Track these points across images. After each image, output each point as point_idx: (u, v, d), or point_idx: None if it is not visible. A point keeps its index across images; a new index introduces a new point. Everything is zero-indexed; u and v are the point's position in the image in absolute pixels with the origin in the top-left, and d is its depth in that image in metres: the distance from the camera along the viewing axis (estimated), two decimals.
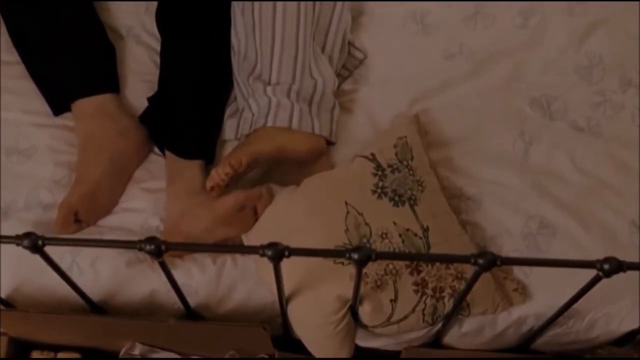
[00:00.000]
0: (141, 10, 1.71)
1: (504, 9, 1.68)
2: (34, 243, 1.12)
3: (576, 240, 1.50)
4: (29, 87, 1.63)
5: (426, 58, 1.65)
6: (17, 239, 1.12)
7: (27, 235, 1.12)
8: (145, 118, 1.61)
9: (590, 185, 1.54)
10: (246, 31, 1.56)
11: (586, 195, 1.53)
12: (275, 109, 1.51)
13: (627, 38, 1.66)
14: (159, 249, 1.11)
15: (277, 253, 1.10)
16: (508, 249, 1.49)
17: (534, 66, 1.64)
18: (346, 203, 1.40)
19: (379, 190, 1.42)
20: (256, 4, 1.54)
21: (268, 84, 1.53)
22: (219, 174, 1.42)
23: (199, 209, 1.45)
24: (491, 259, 1.09)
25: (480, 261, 1.10)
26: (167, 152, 1.56)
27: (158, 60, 1.66)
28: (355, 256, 1.10)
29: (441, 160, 1.56)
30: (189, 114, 1.58)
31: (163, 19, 1.65)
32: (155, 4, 1.67)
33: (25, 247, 1.12)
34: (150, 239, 1.11)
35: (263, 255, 1.10)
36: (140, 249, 1.12)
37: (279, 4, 1.53)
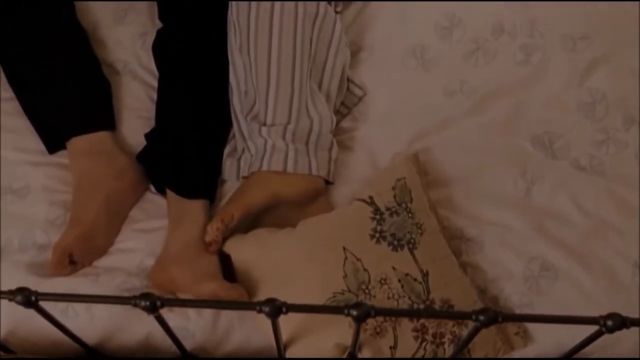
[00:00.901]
0: (137, 44, 1.71)
1: (505, 45, 1.68)
2: (27, 299, 1.12)
3: (578, 283, 1.50)
4: (23, 124, 1.63)
5: (426, 95, 1.65)
6: (9, 295, 1.12)
7: (20, 290, 1.12)
8: (144, 157, 1.61)
9: (593, 226, 1.54)
10: (245, 70, 1.56)
11: (588, 237, 1.54)
12: (271, 152, 1.52)
13: (630, 74, 1.66)
14: (154, 305, 1.11)
15: (274, 310, 1.10)
16: (509, 292, 1.50)
17: (536, 103, 1.64)
18: (344, 248, 1.40)
19: (377, 235, 1.43)
20: (252, 43, 1.54)
21: (264, 124, 1.53)
22: (213, 229, 1.45)
23: (194, 260, 1.46)
24: (492, 316, 1.09)
25: (482, 318, 1.10)
26: (168, 192, 1.56)
27: (154, 96, 1.66)
28: (354, 313, 1.10)
29: (441, 200, 1.56)
30: (190, 151, 1.58)
31: (160, 54, 1.65)
32: (152, 38, 1.68)
33: (19, 303, 1.12)
34: (145, 295, 1.11)
35: (260, 311, 1.10)
36: (135, 305, 1.12)
37: (275, 43, 1.54)
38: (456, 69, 1.67)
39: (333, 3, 1.68)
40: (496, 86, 1.65)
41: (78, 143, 1.59)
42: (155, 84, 1.66)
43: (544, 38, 1.68)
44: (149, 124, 1.64)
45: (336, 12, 1.69)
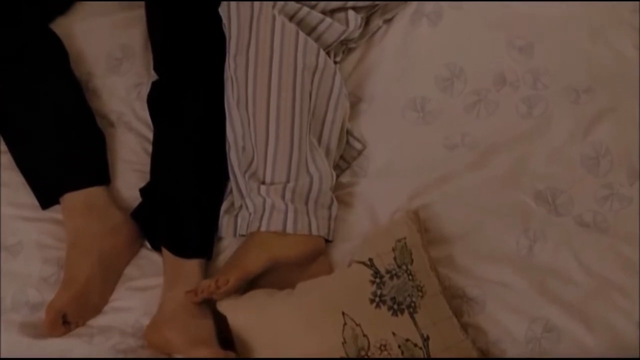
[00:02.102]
0: (132, 95, 1.73)
1: (507, 96, 1.70)
2: None
3: (582, 344, 1.52)
4: (17, 178, 1.65)
5: (427, 148, 1.67)
6: None
7: None
8: (139, 214, 1.62)
9: (596, 286, 1.56)
10: (242, 125, 1.58)
11: (592, 296, 1.55)
12: (270, 211, 1.53)
13: (634, 128, 1.67)
14: None
15: None
16: (511, 354, 1.52)
17: (539, 157, 1.66)
18: (343, 313, 1.42)
19: (377, 299, 1.44)
20: (250, 98, 1.56)
21: (262, 182, 1.55)
22: (204, 288, 1.47)
23: (188, 322, 1.48)
24: None
25: None
26: (164, 251, 1.58)
27: (150, 148, 1.68)
28: None
29: (442, 259, 1.58)
30: (186, 210, 1.60)
31: (155, 107, 1.67)
32: (147, 89, 1.69)
33: None
34: None
35: None
36: None
37: (273, 98, 1.56)
38: (457, 122, 1.69)
39: (332, 53, 1.70)
40: (498, 139, 1.67)
41: (72, 199, 1.61)
42: (151, 136, 1.68)
43: (547, 90, 1.70)
44: (144, 178, 1.66)
45: (335, 62, 1.71)
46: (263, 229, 1.53)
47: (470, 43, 1.74)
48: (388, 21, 1.77)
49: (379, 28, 1.77)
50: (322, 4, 1.64)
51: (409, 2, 1.77)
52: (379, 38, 1.76)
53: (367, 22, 1.75)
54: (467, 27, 1.75)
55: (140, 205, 1.64)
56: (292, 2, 1.61)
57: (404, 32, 1.75)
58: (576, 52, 1.73)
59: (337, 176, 1.64)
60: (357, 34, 1.71)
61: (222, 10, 1.62)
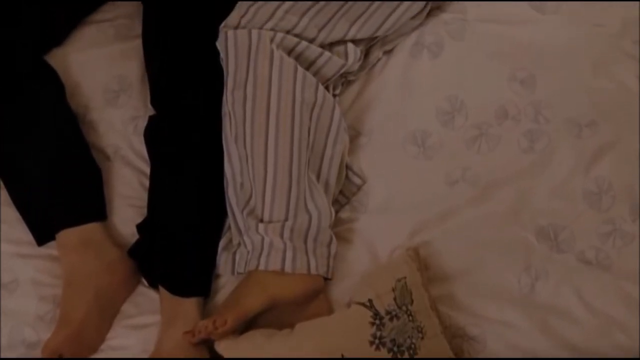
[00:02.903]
0: (129, 129, 1.75)
1: (509, 130, 1.71)
2: None
3: None
4: (12, 214, 1.67)
5: (428, 184, 1.68)
6: None
7: None
8: (136, 251, 1.63)
9: (599, 324, 1.58)
10: (240, 161, 1.59)
11: (594, 335, 1.57)
12: (268, 250, 1.55)
13: (637, 162, 1.68)
14: None
15: None
16: None
17: (541, 192, 1.67)
18: (342, 356, 1.43)
19: (377, 341, 1.46)
20: (248, 134, 1.57)
21: (261, 220, 1.56)
22: (201, 328, 1.49)
23: None
24: None
25: None
26: (161, 289, 1.60)
27: (147, 183, 1.69)
28: None
29: (443, 297, 1.59)
30: (184, 248, 1.62)
31: (152, 142, 1.68)
32: (144, 122, 1.71)
33: None
34: None
35: None
36: None
37: (271, 134, 1.57)
38: (458, 156, 1.70)
39: (331, 86, 1.72)
40: (499, 174, 1.68)
41: (67, 236, 1.63)
42: (148, 170, 1.70)
43: (549, 123, 1.71)
44: (141, 213, 1.68)
45: (334, 95, 1.73)
46: (261, 268, 1.54)
47: (471, 75, 1.75)
48: (388, 52, 1.79)
49: (379, 60, 1.78)
50: (321, 37, 1.66)
51: (409, 33, 1.78)
52: (379, 70, 1.78)
53: (366, 54, 1.76)
54: (468, 58, 1.76)
55: (137, 242, 1.65)
56: (291, 36, 1.62)
57: (404, 64, 1.76)
58: (578, 84, 1.74)
59: (336, 212, 1.66)
60: (356, 66, 1.72)
61: (220, 43, 1.63)
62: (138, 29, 1.78)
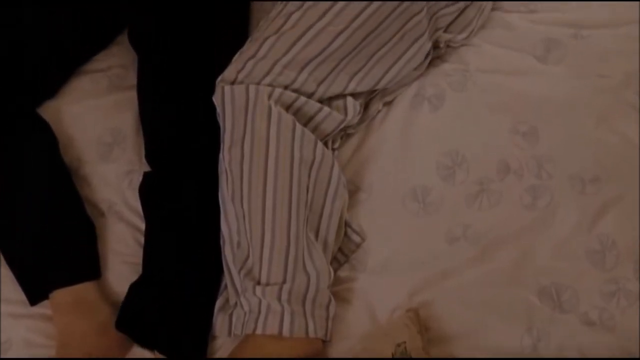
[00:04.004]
0: (124, 183, 1.77)
1: (511, 186, 1.74)
2: None
3: None
4: (4, 273, 1.69)
5: (428, 241, 1.71)
6: None
7: None
8: (131, 312, 1.64)
9: None
10: (237, 220, 1.60)
11: None
12: (266, 313, 1.57)
13: None
14: None
15: None
16: None
17: (543, 251, 1.69)
18: None
19: None
20: (245, 192, 1.59)
21: (258, 282, 1.58)
22: None
23: None
24: None
25: None
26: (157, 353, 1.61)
27: (142, 239, 1.71)
28: None
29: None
30: (180, 309, 1.64)
31: (147, 199, 1.70)
32: (139, 176, 1.72)
33: None
34: None
35: None
36: None
37: (269, 193, 1.59)
38: (459, 213, 1.72)
39: (330, 139, 1.73)
40: (501, 232, 1.71)
41: (61, 296, 1.65)
42: (143, 226, 1.71)
43: (551, 179, 1.73)
44: (136, 270, 1.70)
45: (333, 149, 1.74)
46: (259, 331, 1.56)
47: (472, 128, 1.78)
48: (388, 104, 1.82)
49: (379, 112, 1.80)
50: (320, 92, 1.67)
51: (410, 84, 1.80)
52: (379, 122, 1.80)
53: (366, 106, 1.79)
54: (469, 111, 1.79)
55: (133, 303, 1.66)
56: (289, 91, 1.64)
57: (405, 117, 1.79)
58: (581, 138, 1.77)
59: (335, 270, 1.68)
60: (356, 120, 1.74)
61: (216, 98, 1.65)
62: (132, 79, 1.81)
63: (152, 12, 1.77)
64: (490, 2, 1.86)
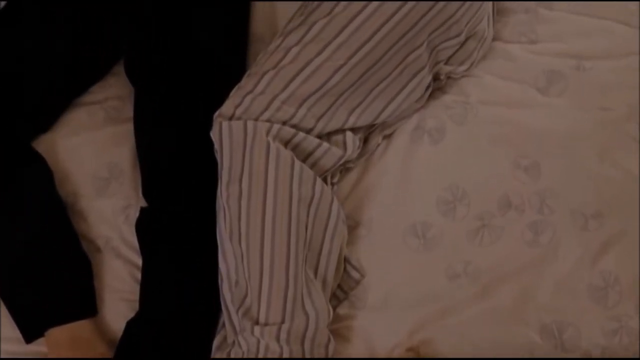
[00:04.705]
0: (120, 219, 1.78)
1: (512, 222, 1.75)
2: None
3: None
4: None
5: (428, 278, 1.72)
6: None
7: None
8: (127, 350, 1.65)
9: None
10: (235, 258, 1.61)
11: None
12: (264, 353, 1.58)
13: None
14: None
15: None
16: None
17: (545, 288, 1.71)
18: None
19: None
20: (243, 231, 1.60)
21: (256, 322, 1.59)
22: None
23: None
24: None
25: None
26: None
27: (139, 276, 1.71)
28: None
29: None
30: (177, 347, 1.64)
31: (144, 236, 1.71)
32: (136, 211, 1.73)
33: None
34: None
35: None
36: None
37: (268, 231, 1.60)
38: (460, 249, 1.74)
39: (330, 174, 1.74)
40: (502, 269, 1.72)
41: (57, 334, 1.66)
42: (140, 262, 1.72)
43: (553, 214, 1.75)
44: (133, 307, 1.71)
45: (332, 184, 1.75)
46: None
47: (473, 162, 1.79)
48: (388, 136, 1.82)
49: (378, 145, 1.81)
50: (319, 127, 1.68)
51: (410, 116, 1.81)
52: (378, 156, 1.81)
53: (365, 140, 1.79)
54: (470, 144, 1.80)
55: (128, 343, 1.67)
56: (288, 127, 1.65)
57: (405, 151, 1.80)
58: (583, 172, 1.79)
59: (334, 308, 1.69)
60: (355, 155, 1.75)
61: (214, 134, 1.66)
62: (129, 111, 1.82)
63: (149, 43, 1.79)
64: (492, 33, 1.87)
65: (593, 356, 1.65)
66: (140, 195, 1.76)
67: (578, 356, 1.65)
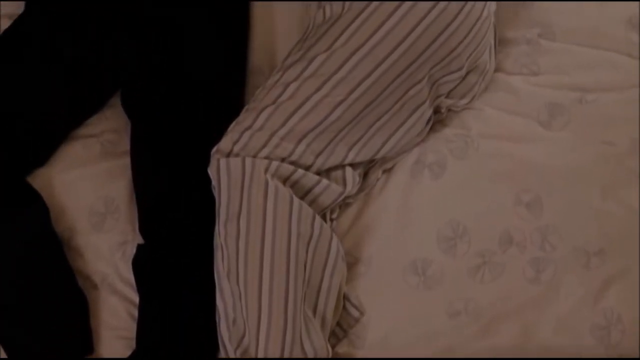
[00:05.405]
0: (117, 255, 1.78)
1: (513, 258, 1.76)
2: None
3: None
4: None
5: (428, 316, 1.73)
6: None
7: None
8: None
9: None
10: (233, 297, 1.62)
11: None
12: None
13: None
14: None
15: None
16: None
17: (546, 326, 1.72)
18: None
19: None
20: (241, 270, 1.61)
21: None
22: None
23: None
24: None
25: None
26: None
27: (136, 313, 1.72)
28: None
29: None
30: None
31: (141, 273, 1.72)
32: (132, 248, 1.74)
33: None
34: None
35: None
36: None
37: (266, 271, 1.61)
38: (461, 286, 1.75)
39: (329, 210, 1.74)
40: (503, 306, 1.73)
41: None
42: (137, 299, 1.72)
43: (555, 251, 1.76)
44: (129, 346, 1.72)
45: (331, 220, 1.76)
46: None
47: (474, 198, 1.80)
48: (388, 170, 1.83)
49: (378, 179, 1.81)
50: (318, 164, 1.69)
51: (410, 150, 1.82)
52: (378, 191, 1.82)
53: (365, 174, 1.80)
54: (471, 179, 1.81)
55: None
56: (286, 164, 1.65)
57: (405, 186, 1.81)
58: (586, 209, 1.80)
59: (333, 346, 1.70)
60: (355, 190, 1.75)
61: (212, 170, 1.67)
62: (125, 144, 1.83)
63: (146, 76, 1.80)
64: (494, 65, 1.88)
65: None
66: (137, 230, 1.77)
67: None
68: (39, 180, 1.81)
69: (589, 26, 1.94)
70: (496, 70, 1.92)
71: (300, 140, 1.68)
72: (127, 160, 1.81)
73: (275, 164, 1.66)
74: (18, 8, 1.88)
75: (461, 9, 1.70)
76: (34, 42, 1.79)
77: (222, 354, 1.67)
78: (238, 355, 1.62)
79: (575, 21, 1.95)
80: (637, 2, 1.94)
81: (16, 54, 1.78)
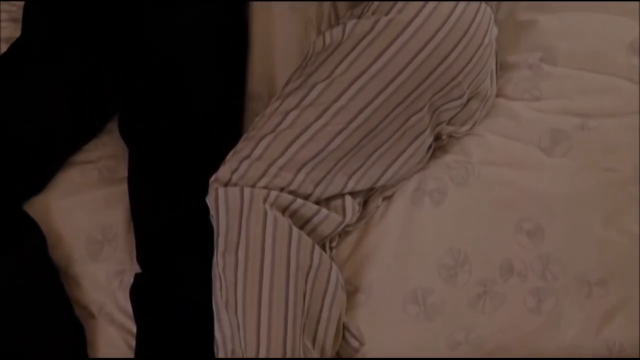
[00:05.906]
0: (114, 284, 1.79)
1: (514, 288, 1.76)
2: None
3: None
4: None
5: (429, 347, 1.74)
6: None
7: None
8: None
9: None
10: (232, 328, 1.62)
11: None
12: None
13: None
14: None
15: None
16: None
17: (548, 356, 1.73)
18: None
19: None
20: (240, 301, 1.61)
21: None
22: None
23: None
24: None
25: None
26: None
27: (134, 343, 1.72)
28: None
29: None
30: None
31: (138, 303, 1.72)
32: (130, 277, 1.74)
33: None
34: None
35: None
36: None
37: (265, 301, 1.61)
38: (461, 317, 1.75)
39: (328, 239, 1.74)
40: (504, 336, 1.74)
41: None
42: (134, 329, 1.72)
43: (557, 281, 1.76)
44: None
45: (331, 248, 1.76)
46: None
47: (475, 226, 1.81)
48: (388, 198, 1.83)
49: (378, 207, 1.81)
50: (317, 193, 1.69)
51: (410, 177, 1.82)
52: (378, 218, 1.82)
53: (365, 202, 1.80)
54: (471, 207, 1.82)
55: None
56: (285, 194, 1.66)
57: (405, 213, 1.81)
58: (588, 237, 1.80)
59: None
60: (354, 219, 1.75)
61: (210, 200, 1.67)
62: (123, 171, 1.83)
63: (143, 103, 1.80)
64: (495, 91, 1.88)
65: None
66: (135, 259, 1.77)
67: None
68: (35, 207, 1.81)
69: (590, 50, 1.94)
70: (497, 95, 1.92)
71: (299, 170, 1.68)
72: (125, 186, 1.81)
73: (274, 193, 1.66)
74: (15, 31, 1.89)
75: (462, 37, 1.71)
76: (31, 68, 1.79)
77: None
78: None
79: (577, 45, 1.95)
80: (639, 27, 1.95)
81: (13, 80, 1.79)
